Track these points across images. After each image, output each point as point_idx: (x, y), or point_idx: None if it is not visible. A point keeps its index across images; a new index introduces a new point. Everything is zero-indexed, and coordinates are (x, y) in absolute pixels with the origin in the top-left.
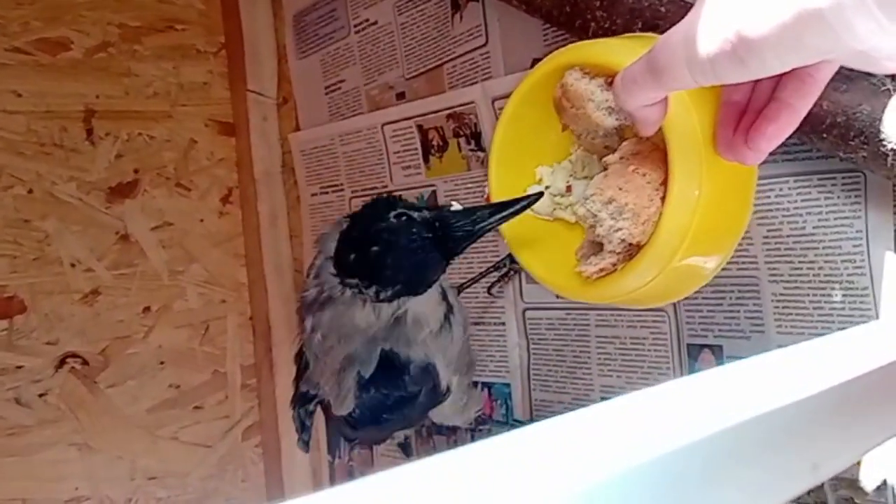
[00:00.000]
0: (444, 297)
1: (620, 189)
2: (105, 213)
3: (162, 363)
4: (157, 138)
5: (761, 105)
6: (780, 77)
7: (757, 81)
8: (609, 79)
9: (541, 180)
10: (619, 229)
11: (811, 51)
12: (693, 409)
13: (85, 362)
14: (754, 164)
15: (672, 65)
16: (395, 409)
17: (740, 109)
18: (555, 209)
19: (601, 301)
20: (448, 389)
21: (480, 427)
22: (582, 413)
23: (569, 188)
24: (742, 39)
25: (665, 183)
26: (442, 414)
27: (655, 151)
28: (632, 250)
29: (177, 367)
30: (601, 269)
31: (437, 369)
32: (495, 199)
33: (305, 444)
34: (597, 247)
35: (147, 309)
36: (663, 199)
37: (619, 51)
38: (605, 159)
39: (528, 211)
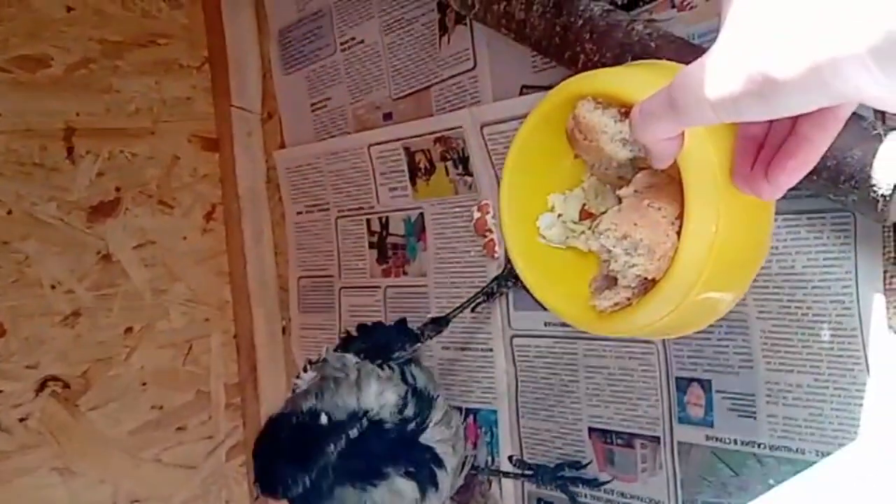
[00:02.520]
0: (423, 474)
1: (635, 224)
2: (86, 233)
3: (144, 384)
4: (140, 155)
5: (780, 139)
6: None
7: None
8: (623, 109)
9: (553, 208)
10: (634, 265)
11: (838, 94)
12: None
13: (66, 385)
14: (772, 198)
15: (693, 101)
16: None
17: (758, 142)
18: (567, 237)
19: (614, 335)
20: None
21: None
22: None
23: (591, 215)
24: (767, 80)
25: (681, 217)
26: None
27: (671, 184)
28: (647, 284)
29: (159, 387)
30: (615, 304)
31: None
32: (507, 228)
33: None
34: (611, 281)
35: (129, 329)
36: (679, 233)
37: (633, 81)
38: (618, 192)
39: (540, 239)
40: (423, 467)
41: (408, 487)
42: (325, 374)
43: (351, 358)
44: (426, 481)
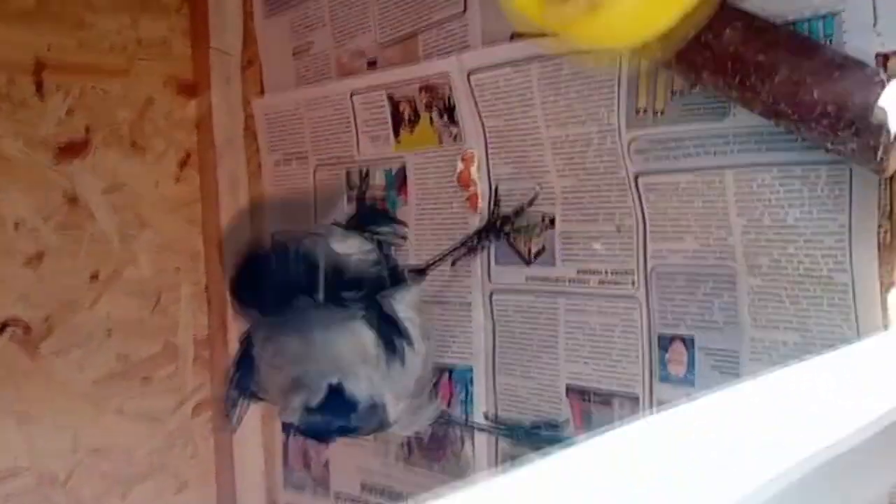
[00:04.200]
0: (383, 332)
1: None
2: (53, 172)
3: (109, 332)
4: (112, 95)
5: None
6: None
7: None
8: None
9: None
10: None
11: None
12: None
13: (27, 329)
14: None
15: None
16: (339, 433)
17: None
18: None
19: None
20: (396, 420)
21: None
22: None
23: None
24: None
25: None
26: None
27: None
28: None
29: (125, 336)
30: None
31: (385, 407)
32: None
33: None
34: None
35: (95, 275)
36: None
37: None
38: None
39: None
40: (387, 326)
41: (368, 337)
42: None
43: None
44: (390, 342)
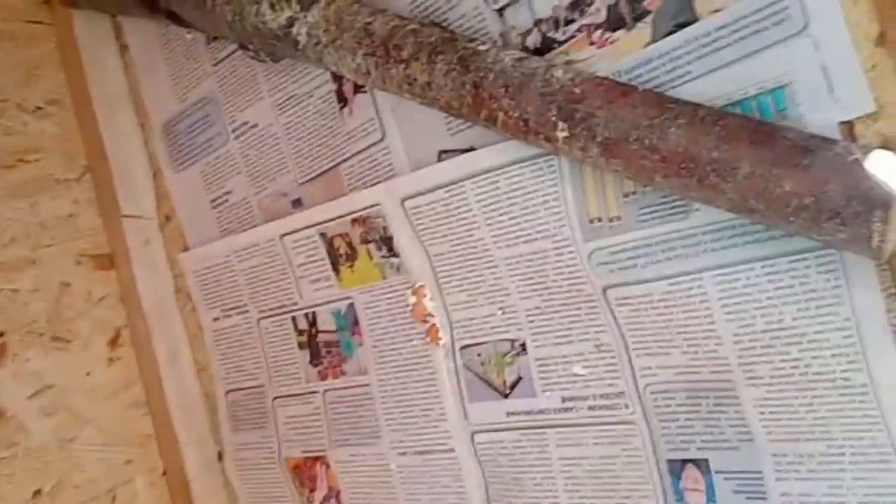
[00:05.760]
0: None
1: None
2: None
3: None
4: (22, 290)
5: None
6: None
7: None
8: None
9: None
10: None
11: None
12: None
13: None
14: None
15: None
16: None
17: None
18: None
19: None
20: None
21: None
22: None
23: None
24: None
25: None
26: None
27: None
28: None
29: None
30: None
31: None
32: None
33: None
34: None
35: (38, 492)
36: None
37: None
38: None
39: None
40: None
41: None
42: None
43: None
44: None
